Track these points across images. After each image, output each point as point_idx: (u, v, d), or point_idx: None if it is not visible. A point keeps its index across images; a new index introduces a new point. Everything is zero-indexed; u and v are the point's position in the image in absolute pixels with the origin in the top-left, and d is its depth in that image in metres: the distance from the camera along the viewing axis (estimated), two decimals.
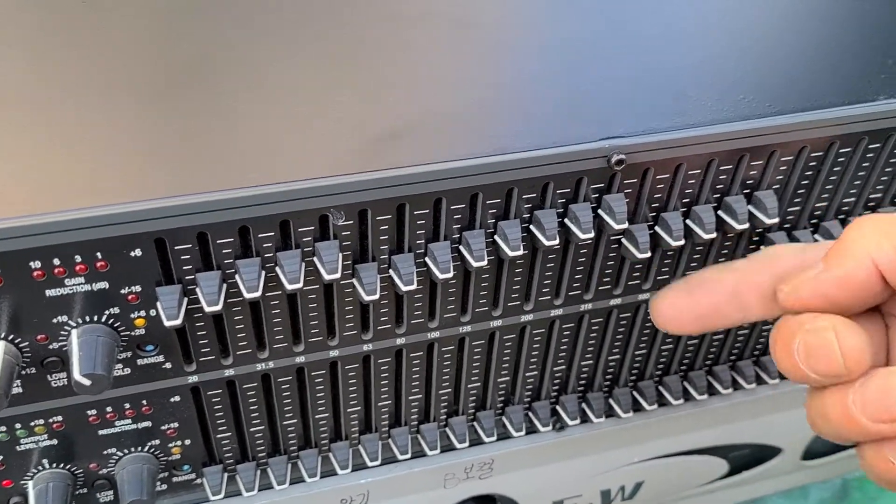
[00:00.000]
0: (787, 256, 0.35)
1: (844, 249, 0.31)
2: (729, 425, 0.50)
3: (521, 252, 0.35)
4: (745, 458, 0.54)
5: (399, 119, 0.36)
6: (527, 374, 0.43)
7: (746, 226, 0.38)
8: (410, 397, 0.42)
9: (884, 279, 0.31)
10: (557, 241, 0.35)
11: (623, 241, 0.38)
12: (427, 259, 0.35)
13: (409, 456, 0.43)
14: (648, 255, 0.37)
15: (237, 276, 0.33)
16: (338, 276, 0.33)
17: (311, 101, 0.37)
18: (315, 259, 0.33)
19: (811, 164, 0.38)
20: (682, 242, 0.37)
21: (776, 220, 0.38)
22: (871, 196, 0.41)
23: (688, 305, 0.36)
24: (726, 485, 0.55)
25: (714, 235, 0.38)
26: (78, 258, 0.31)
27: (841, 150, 0.38)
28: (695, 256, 0.41)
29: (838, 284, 0.31)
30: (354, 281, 0.35)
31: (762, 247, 0.41)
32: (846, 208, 0.41)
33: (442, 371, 0.41)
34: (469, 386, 0.43)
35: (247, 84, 0.38)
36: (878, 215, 0.32)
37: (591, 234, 0.36)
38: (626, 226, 0.36)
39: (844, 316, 0.31)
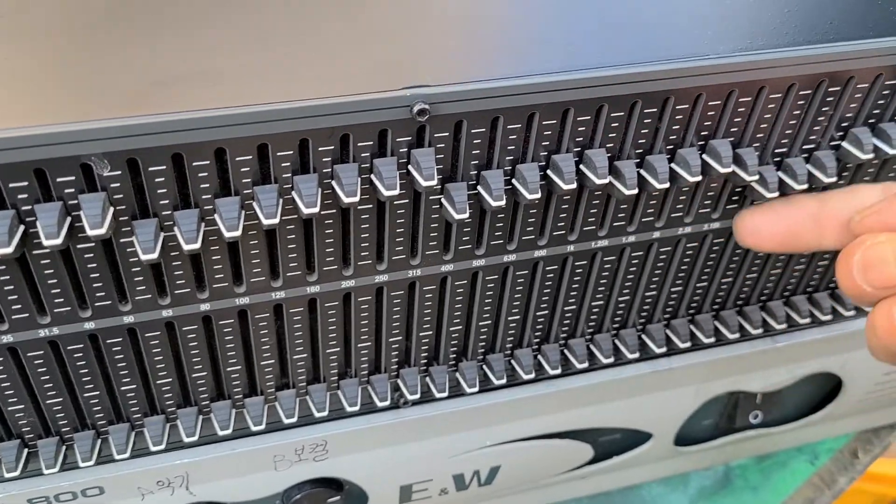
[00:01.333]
0: (868, 190, 0.37)
1: None
2: (588, 408, 0.48)
3: (316, 210, 0.32)
4: (614, 443, 0.51)
5: (184, 64, 0.33)
6: (359, 346, 0.41)
7: (573, 186, 0.35)
8: (229, 368, 0.39)
9: None
10: (358, 199, 0.33)
11: (442, 201, 0.35)
12: (216, 216, 0.32)
13: (229, 432, 0.40)
14: (466, 216, 0.35)
15: None
16: (102, 231, 0.30)
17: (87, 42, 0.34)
18: (82, 213, 0.30)
19: (646, 121, 0.36)
20: (502, 203, 0.35)
21: (606, 180, 0.35)
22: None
23: (769, 223, 0.38)
24: (598, 470, 0.53)
25: (538, 196, 0.35)
26: None
27: (677, 107, 0.36)
28: (530, 220, 0.38)
29: None
30: (134, 238, 0.32)
31: None
32: None
33: (260, 339, 0.38)
34: (295, 357, 0.40)
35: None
36: None
37: (396, 192, 0.33)
38: (434, 183, 0.33)
39: None
